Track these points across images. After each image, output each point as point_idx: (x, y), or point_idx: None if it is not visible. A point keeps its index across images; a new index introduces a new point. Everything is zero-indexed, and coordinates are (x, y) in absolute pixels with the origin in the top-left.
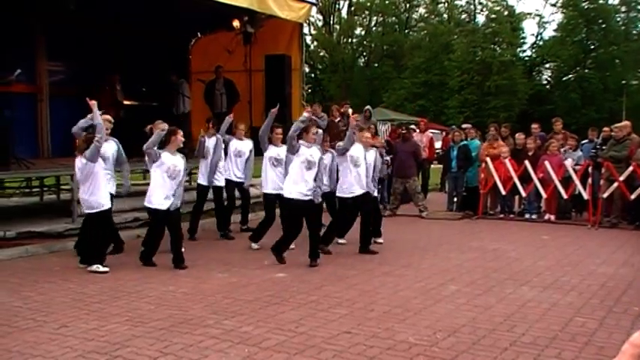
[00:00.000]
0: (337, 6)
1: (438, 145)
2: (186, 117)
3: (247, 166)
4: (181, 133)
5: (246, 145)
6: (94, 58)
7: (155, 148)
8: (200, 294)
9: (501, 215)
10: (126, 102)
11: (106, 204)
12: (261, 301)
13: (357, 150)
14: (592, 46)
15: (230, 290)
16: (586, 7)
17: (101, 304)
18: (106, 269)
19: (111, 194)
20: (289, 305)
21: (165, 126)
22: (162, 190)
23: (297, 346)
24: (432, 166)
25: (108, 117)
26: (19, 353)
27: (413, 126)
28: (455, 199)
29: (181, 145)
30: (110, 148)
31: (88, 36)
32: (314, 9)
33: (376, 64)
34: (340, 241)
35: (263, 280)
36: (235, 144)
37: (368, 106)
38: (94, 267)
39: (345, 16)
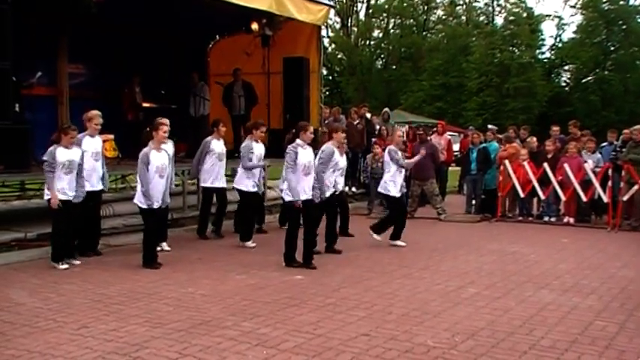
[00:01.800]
0: (355, 8)
1: (455, 147)
2: (204, 119)
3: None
4: (164, 128)
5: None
6: (113, 61)
7: None
8: (218, 296)
9: (520, 218)
10: (145, 104)
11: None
12: (279, 303)
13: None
14: (612, 48)
15: (248, 292)
16: (606, 8)
17: (120, 306)
18: (64, 266)
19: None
20: (307, 307)
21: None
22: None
23: (315, 348)
24: (450, 168)
25: (97, 112)
26: (40, 354)
27: (435, 129)
28: (473, 202)
29: (165, 142)
30: (99, 143)
31: (108, 39)
32: (332, 11)
33: (394, 67)
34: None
35: (281, 282)
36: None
37: (386, 109)
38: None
39: (363, 19)
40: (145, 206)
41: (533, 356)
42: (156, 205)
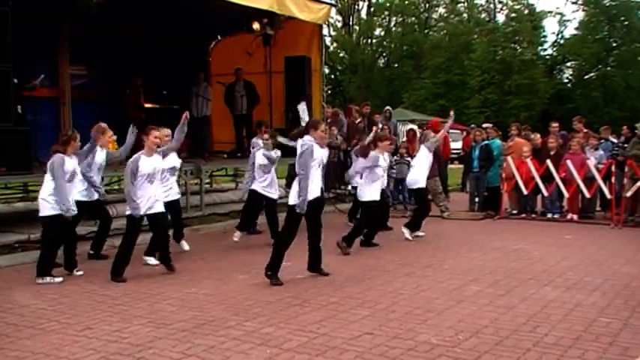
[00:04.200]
0: (356, 7)
1: (458, 145)
2: (206, 120)
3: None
4: (154, 133)
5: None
6: (115, 62)
7: None
8: (222, 295)
9: (523, 215)
10: (147, 105)
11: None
12: (282, 303)
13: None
14: (614, 44)
15: (251, 292)
16: (607, 4)
17: (124, 306)
18: (58, 279)
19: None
20: (310, 307)
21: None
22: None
23: (319, 347)
24: (453, 166)
25: (104, 125)
26: (44, 355)
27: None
28: (476, 199)
29: (156, 148)
30: (103, 155)
31: (110, 40)
32: (333, 10)
33: (396, 65)
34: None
35: (284, 281)
36: None
37: (388, 107)
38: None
39: (365, 17)
40: (128, 212)
41: (537, 353)
42: (140, 213)
